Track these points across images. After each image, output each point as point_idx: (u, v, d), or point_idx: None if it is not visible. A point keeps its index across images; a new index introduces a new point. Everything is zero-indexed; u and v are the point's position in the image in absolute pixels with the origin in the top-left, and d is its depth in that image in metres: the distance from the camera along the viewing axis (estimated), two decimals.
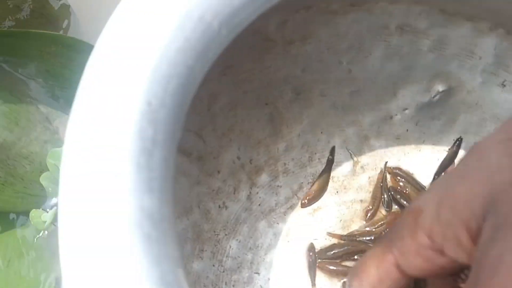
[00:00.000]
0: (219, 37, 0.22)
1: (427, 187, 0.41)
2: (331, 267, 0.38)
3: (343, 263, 0.39)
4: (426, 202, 0.21)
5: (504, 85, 0.38)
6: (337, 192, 0.41)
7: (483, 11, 0.34)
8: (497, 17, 0.34)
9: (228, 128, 0.38)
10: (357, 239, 0.39)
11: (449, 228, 0.20)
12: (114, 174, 0.17)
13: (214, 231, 0.37)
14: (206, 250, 0.36)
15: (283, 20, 0.35)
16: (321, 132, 0.41)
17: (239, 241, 0.38)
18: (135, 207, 0.17)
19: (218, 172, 0.37)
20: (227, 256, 0.37)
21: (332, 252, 0.39)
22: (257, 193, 0.39)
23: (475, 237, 0.19)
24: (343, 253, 0.39)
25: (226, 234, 0.37)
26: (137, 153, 0.18)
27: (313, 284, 0.38)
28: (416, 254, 0.21)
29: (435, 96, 0.40)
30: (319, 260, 0.38)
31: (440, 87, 0.39)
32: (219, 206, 0.37)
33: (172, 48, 0.19)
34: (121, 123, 0.18)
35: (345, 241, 0.39)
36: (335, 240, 0.40)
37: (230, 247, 0.37)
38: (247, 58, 0.36)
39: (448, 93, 0.39)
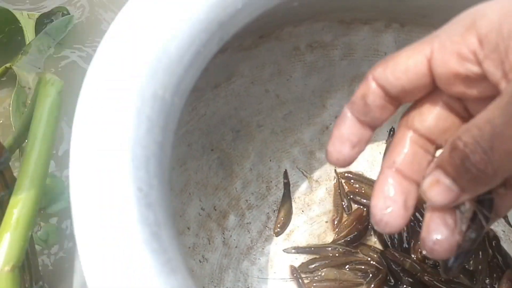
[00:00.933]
0: (173, 107, 0.22)
1: None
2: (318, 284, 0.39)
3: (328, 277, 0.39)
4: (491, 9, 0.20)
5: None
6: (302, 211, 0.42)
7: (376, 13, 0.38)
8: (389, 15, 0.38)
9: (184, 183, 0.38)
10: (330, 249, 0.40)
11: (505, 42, 0.19)
12: (137, 265, 0.17)
13: (203, 287, 0.36)
14: None
15: (205, 67, 0.36)
16: (270, 160, 0.42)
17: None
18: None
19: (188, 228, 0.37)
20: None
21: (313, 266, 0.39)
22: (231, 236, 0.39)
23: None
24: (324, 267, 0.39)
25: (214, 286, 0.37)
26: (149, 240, 0.18)
27: None
28: (455, 52, 0.20)
29: None
30: (304, 276, 0.39)
31: None
32: (200, 261, 0.37)
33: (141, 131, 0.20)
34: (124, 216, 0.18)
35: (324, 255, 0.40)
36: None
37: None
38: (182, 112, 0.37)
39: None
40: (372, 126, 0.24)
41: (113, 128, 0.19)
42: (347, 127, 0.24)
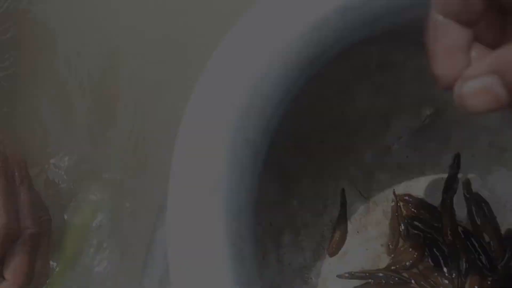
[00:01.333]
0: (261, 148, 0.22)
1: (439, 207, 0.42)
2: None
3: None
4: None
5: None
6: (358, 232, 0.42)
7: None
8: None
9: None
10: (385, 276, 0.39)
11: None
12: None
13: None
14: None
15: None
16: (329, 177, 0.42)
17: None
18: None
19: None
20: None
21: None
22: (285, 253, 0.39)
23: None
24: None
25: None
26: None
27: None
28: None
29: (425, 119, 0.41)
30: None
31: (428, 111, 0.41)
32: None
33: (233, 180, 0.19)
34: (221, 276, 0.18)
35: (378, 282, 0.39)
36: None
37: None
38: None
39: (437, 115, 0.41)
40: (470, 25, 0.20)
41: (208, 177, 0.19)
42: (449, 34, 0.20)
